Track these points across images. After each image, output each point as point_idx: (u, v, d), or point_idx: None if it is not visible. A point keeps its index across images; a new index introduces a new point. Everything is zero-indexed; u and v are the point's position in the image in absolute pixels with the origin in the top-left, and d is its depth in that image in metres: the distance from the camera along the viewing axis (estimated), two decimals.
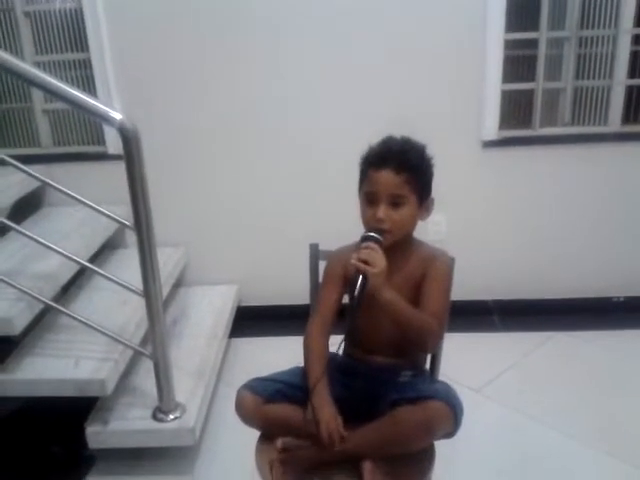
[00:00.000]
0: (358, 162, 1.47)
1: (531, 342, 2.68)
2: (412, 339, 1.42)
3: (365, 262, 1.30)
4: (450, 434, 1.36)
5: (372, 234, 1.36)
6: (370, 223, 1.40)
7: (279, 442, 1.34)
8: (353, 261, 1.31)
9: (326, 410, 1.34)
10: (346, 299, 1.51)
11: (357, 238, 1.41)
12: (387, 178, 1.38)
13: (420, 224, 1.48)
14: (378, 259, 1.31)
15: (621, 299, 2.90)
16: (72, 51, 2.67)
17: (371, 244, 1.34)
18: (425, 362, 1.60)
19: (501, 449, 2.05)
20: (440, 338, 1.48)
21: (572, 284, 2.88)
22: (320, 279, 1.60)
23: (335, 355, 1.42)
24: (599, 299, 2.89)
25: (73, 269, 2.23)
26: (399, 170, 1.37)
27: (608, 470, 1.95)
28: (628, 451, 2.01)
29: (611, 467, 1.95)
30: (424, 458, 1.38)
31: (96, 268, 2.01)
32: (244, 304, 2.94)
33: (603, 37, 2.60)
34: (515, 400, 2.29)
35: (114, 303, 2.25)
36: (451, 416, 1.32)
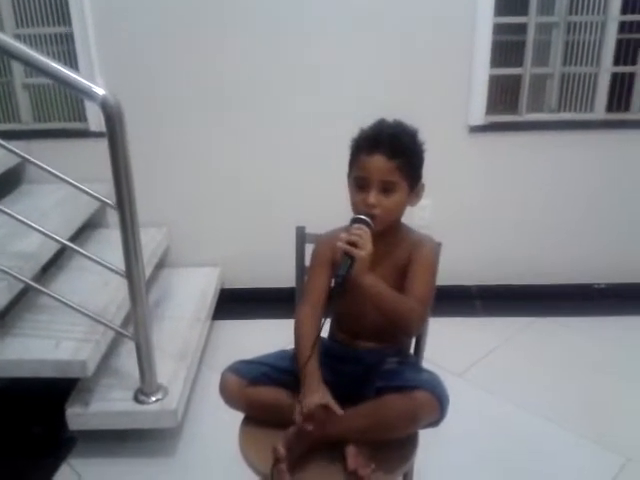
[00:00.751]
0: (347, 145, 1.45)
1: (513, 327, 2.70)
2: (395, 323, 1.41)
3: (353, 244, 1.28)
4: (435, 423, 1.36)
5: (363, 217, 1.35)
6: (360, 208, 1.38)
7: (280, 450, 1.30)
8: (340, 244, 1.29)
9: (315, 389, 1.32)
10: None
11: (345, 221, 1.39)
12: (379, 163, 1.36)
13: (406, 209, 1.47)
14: (366, 242, 1.30)
15: (602, 286, 2.93)
16: (54, 25, 2.60)
17: (362, 226, 1.32)
18: (410, 347, 1.60)
19: (483, 433, 2.07)
20: (423, 322, 1.47)
21: (554, 270, 2.90)
22: (307, 262, 1.58)
23: (322, 339, 1.41)
24: (581, 285, 2.92)
25: (53, 248, 2.19)
26: (391, 156, 1.35)
27: (589, 453, 1.98)
28: (609, 435, 2.04)
29: (592, 450, 1.98)
30: (407, 443, 1.38)
31: (77, 248, 1.98)
32: (228, 286, 2.92)
33: (591, 23, 2.59)
34: (496, 384, 2.31)
35: (95, 283, 2.21)
36: (437, 406, 1.32)
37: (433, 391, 1.32)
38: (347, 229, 1.34)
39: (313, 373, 1.35)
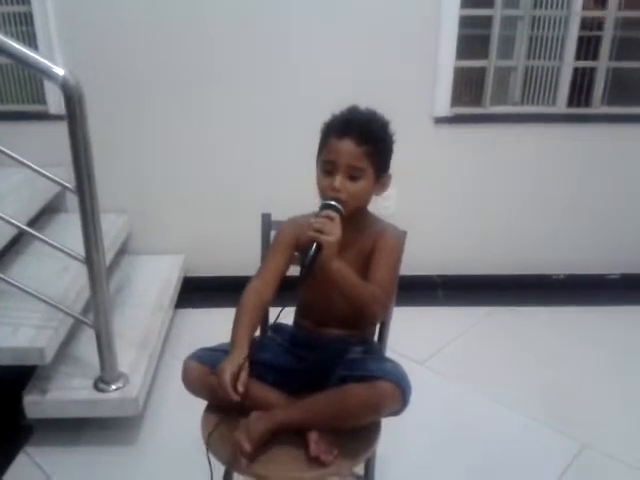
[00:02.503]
0: (313, 133, 1.43)
1: (473, 316, 2.75)
2: (359, 309, 1.41)
3: (320, 231, 1.28)
4: (397, 412, 1.37)
5: (332, 202, 1.34)
6: (326, 192, 1.38)
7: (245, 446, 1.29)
8: (310, 233, 1.28)
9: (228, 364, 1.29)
10: (293, 270, 1.49)
11: (310, 209, 1.39)
12: (347, 148, 1.35)
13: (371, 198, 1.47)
14: (334, 228, 1.29)
15: (561, 276, 3.00)
16: (12, 3, 2.51)
17: (330, 212, 1.32)
18: (374, 335, 1.61)
19: (443, 419, 2.11)
20: (387, 308, 1.48)
21: (515, 260, 2.96)
22: None
23: (286, 326, 1.40)
24: (540, 276, 2.99)
25: (10, 233, 2.13)
26: (361, 141, 1.35)
27: (547, 440, 2.02)
28: (566, 422, 2.09)
29: (549, 437, 2.03)
30: (370, 430, 1.39)
31: (35, 232, 1.92)
32: (191, 274, 2.88)
33: (555, 18, 2.63)
34: (457, 372, 2.35)
35: (54, 269, 2.16)
36: (399, 396, 1.32)
37: (396, 381, 1.32)
38: (316, 215, 1.33)
39: (240, 345, 1.33)
